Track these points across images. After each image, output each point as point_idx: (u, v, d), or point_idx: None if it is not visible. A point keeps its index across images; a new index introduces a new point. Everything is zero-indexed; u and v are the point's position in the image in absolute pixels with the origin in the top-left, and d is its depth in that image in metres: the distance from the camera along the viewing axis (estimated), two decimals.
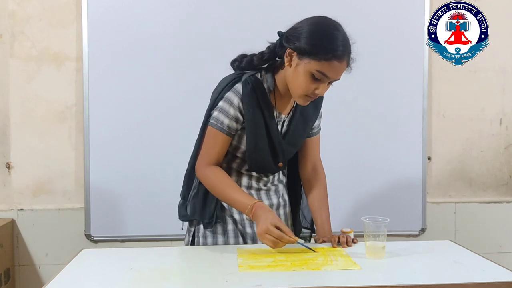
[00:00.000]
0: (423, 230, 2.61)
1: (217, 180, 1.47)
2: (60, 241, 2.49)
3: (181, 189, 1.64)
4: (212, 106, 1.48)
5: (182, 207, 1.61)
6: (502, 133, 2.71)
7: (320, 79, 1.36)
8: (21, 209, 2.52)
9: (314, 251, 1.39)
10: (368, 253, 1.35)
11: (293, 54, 1.38)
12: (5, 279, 2.39)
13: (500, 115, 2.70)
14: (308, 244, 1.46)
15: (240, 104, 1.44)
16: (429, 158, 2.65)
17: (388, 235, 1.37)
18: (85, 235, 2.48)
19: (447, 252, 1.44)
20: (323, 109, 1.64)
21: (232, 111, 1.44)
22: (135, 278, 1.20)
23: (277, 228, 1.33)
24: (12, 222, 2.50)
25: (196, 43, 2.46)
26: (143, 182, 2.46)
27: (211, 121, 1.47)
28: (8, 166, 2.51)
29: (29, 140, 2.50)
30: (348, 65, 1.39)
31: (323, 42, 1.34)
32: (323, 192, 1.64)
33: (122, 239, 2.48)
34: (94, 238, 2.48)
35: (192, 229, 1.58)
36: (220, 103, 1.46)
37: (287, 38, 1.40)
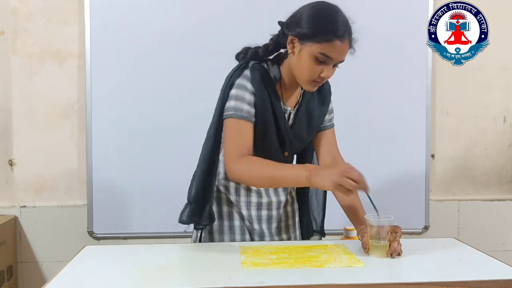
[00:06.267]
0: (426, 228, 2.61)
1: (261, 165, 1.35)
2: (63, 238, 2.49)
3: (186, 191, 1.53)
4: (223, 97, 1.42)
5: (191, 210, 1.48)
6: (506, 130, 2.70)
7: (324, 61, 1.35)
8: (24, 206, 2.52)
9: (376, 211, 1.32)
10: (371, 251, 1.34)
11: (294, 40, 1.37)
12: (7, 276, 2.40)
13: (504, 112, 2.69)
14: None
15: (252, 88, 1.41)
16: (433, 156, 2.65)
17: None
18: (88, 232, 2.48)
19: (451, 250, 1.43)
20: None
21: (247, 96, 1.40)
22: (137, 275, 1.20)
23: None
24: (15, 219, 2.50)
25: (199, 40, 2.45)
26: (146, 179, 2.46)
27: (229, 112, 1.40)
28: (11, 163, 2.51)
29: (31, 137, 2.50)
30: (350, 45, 1.37)
31: (323, 24, 1.34)
32: None
33: (125, 236, 2.48)
34: (97, 235, 2.48)
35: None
36: (233, 92, 1.41)
37: (287, 26, 1.40)
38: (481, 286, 1.14)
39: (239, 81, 1.41)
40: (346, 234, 1.78)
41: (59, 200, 2.53)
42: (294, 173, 1.33)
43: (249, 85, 1.41)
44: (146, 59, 2.45)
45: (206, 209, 1.46)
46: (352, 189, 1.25)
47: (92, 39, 2.43)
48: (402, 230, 1.38)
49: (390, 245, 1.33)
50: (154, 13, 2.45)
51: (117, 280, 1.18)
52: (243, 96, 1.40)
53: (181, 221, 1.48)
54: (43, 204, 2.52)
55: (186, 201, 1.50)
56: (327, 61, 1.35)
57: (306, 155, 1.64)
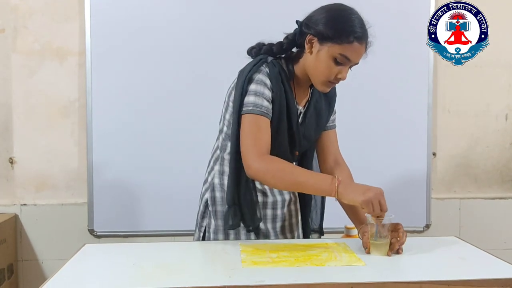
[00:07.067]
0: (427, 226, 2.60)
1: (286, 168, 1.34)
2: (63, 236, 2.49)
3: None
4: (241, 92, 1.39)
5: (234, 213, 1.43)
6: (508, 128, 2.69)
7: (343, 63, 1.37)
8: (24, 204, 2.52)
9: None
10: (372, 250, 1.33)
11: (313, 40, 1.38)
12: (8, 274, 2.40)
13: (505, 110, 2.69)
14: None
15: (271, 85, 1.40)
16: (434, 154, 2.64)
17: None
18: (88, 230, 2.48)
19: (452, 248, 1.43)
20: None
21: (267, 92, 1.39)
22: (138, 273, 1.20)
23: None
24: (15, 217, 2.50)
25: (200, 37, 2.45)
26: (146, 178, 2.46)
27: (248, 108, 1.37)
28: (11, 161, 2.51)
29: (32, 135, 2.49)
30: (366, 48, 1.40)
31: (344, 26, 1.35)
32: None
33: (125, 234, 2.47)
34: (97, 233, 2.48)
35: (204, 224, 1.54)
36: (253, 87, 1.38)
37: (306, 25, 1.40)
38: (482, 284, 1.14)
39: (259, 76, 1.40)
40: (347, 233, 1.78)
41: (60, 198, 2.53)
42: (320, 181, 1.32)
43: (268, 81, 1.40)
44: (147, 57, 2.45)
45: (247, 210, 1.43)
46: (376, 213, 1.26)
47: (92, 36, 2.42)
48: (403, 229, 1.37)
49: (391, 244, 1.33)
50: (155, 10, 2.45)
51: (117, 278, 1.18)
52: (263, 92, 1.39)
53: (228, 226, 1.44)
54: (44, 202, 2.52)
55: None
56: (345, 62, 1.37)
57: (307, 155, 1.63)
